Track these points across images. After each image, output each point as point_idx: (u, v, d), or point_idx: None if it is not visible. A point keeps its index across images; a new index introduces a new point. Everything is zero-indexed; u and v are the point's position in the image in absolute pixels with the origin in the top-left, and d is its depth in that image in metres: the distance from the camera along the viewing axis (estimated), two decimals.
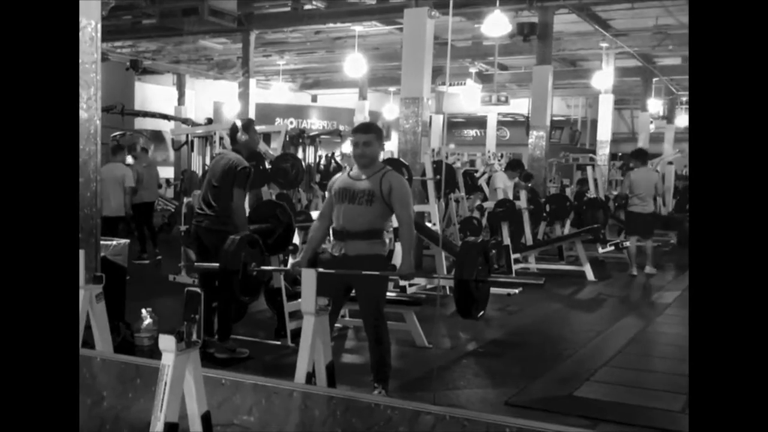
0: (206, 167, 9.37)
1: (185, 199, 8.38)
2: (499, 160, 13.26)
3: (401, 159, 8.54)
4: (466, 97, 17.95)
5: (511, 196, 10.24)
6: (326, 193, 4.51)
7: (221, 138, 9.45)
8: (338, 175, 4.46)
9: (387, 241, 4.48)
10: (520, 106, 21.37)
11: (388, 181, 4.16)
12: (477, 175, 12.54)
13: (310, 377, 3.37)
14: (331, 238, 4.42)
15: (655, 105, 19.67)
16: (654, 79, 19.02)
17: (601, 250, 10.89)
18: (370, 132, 4.30)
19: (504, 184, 10.44)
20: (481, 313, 3.97)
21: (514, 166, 10.96)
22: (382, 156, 4.62)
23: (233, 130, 5.55)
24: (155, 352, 4.39)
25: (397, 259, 7.32)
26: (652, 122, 20.23)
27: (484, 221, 10.48)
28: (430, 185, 8.35)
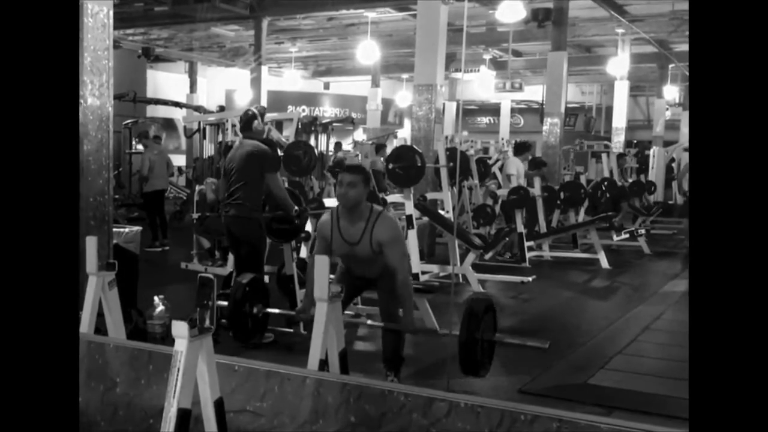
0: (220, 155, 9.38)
1: (197, 187, 8.37)
2: (512, 147, 13.13)
3: (414, 146, 8.48)
4: (480, 83, 17.83)
5: (524, 182, 10.15)
6: (317, 238, 4.38)
7: (233, 125, 9.43)
8: (325, 219, 4.30)
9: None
10: (535, 93, 21.20)
11: (377, 240, 4.06)
12: (490, 162, 12.46)
13: (323, 364, 3.35)
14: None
15: (671, 91, 19.48)
16: (670, 66, 18.82)
17: (615, 238, 10.81)
18: (356, 173, 4.13)
19: (516, 169, 10.34)
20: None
21: (522, 149, 10.77)
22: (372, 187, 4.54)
23: (251, 117, 5.51)
24: (167, 340, 4.40)
25: (411, 248, 7.31)
26: (667, 109, 20.05)
27: (497, 208, 10.41)
28: (444, 172, 8.30)
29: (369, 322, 4.67)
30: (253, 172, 5.27)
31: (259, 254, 5.44)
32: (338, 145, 12.91)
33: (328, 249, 4.23)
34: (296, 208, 5.47)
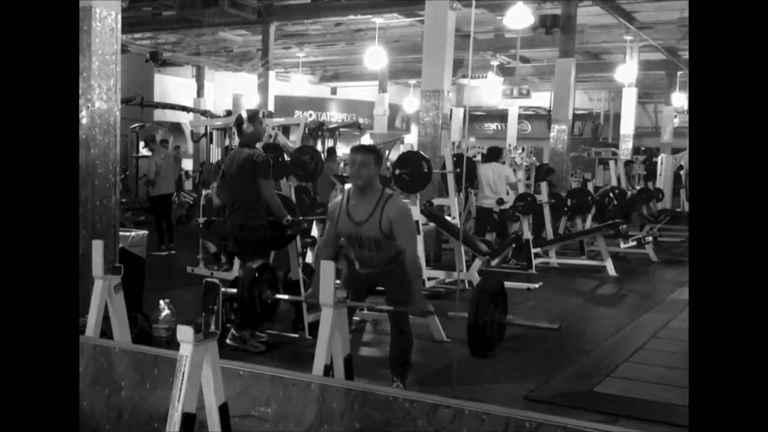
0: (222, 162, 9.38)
1: (204, 191, 8.39)
2: (519, 153, 13.09)
3: (421, 152, 8.48)
4: (488, 89, 17.84)
5: (504, 187, 10.03)
6: (327, 221, 4.36)
7: None
8: (337, 200, 4.30)
9: None
10: (542, 99, 21.22)
11: (387, 218, 4.01)
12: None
13: (328, 369, 3.34)
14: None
15: (680, 99, 19.43)
16: (679, 73, 18.79)
17: (622, 246, 10.77)
18: (368, 153, 4.12)
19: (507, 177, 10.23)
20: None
21: (495, 155, 10.59)
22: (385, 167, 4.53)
23: (239, 121, 5.49)
24: (172, 343, 4.40)
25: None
26: (676, 116, 20.00)
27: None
28: (450, 178, 8.30)
29: (379, 306, 4.56)
30: (251, 179, 5.26)
31: (263, 257, 5.45)
32: (331, 152, 12.63)
33: (335, 230, 4.20)
34: (288, 218, 5.41)
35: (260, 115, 5.69)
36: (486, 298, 3.71)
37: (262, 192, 5.25)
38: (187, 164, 17.62)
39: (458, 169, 8.28)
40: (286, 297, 4.40)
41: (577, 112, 17.80)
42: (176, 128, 18.93)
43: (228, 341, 5.25)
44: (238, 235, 5.39)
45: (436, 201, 8.56)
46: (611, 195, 11.40)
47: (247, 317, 4.21)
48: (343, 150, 15.12)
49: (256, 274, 3.97)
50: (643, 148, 20.22)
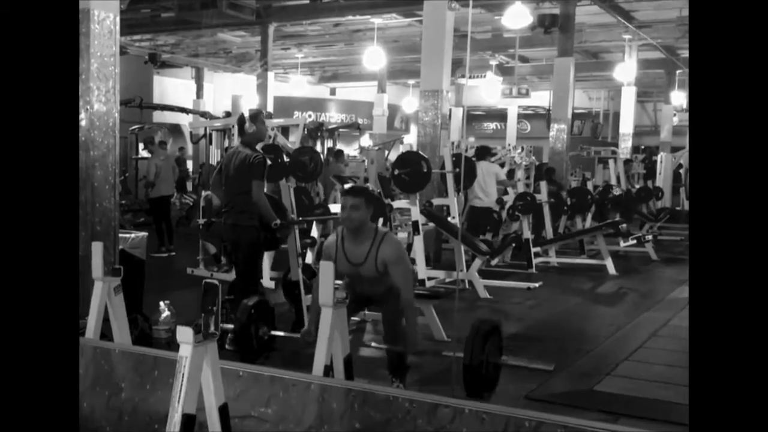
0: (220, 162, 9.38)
1: (203, 193, 8.39)
2: (519, 153, 13.07)
3: (420, 152, 8.49)
4: (487, 89, 17.85)
5: (494, 187, 10.00)
6: (320, 260, 4.38)
7: None
8: (330, 239, 4.33)
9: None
10: (541, 98, 21.22)
11: (382, 261, 4.08)
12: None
13: (328, 370, 3.35)
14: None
15: (679, 97, 19.44)
16: (677, 71, 18.79)
17: (622, 244, 10.78)
18: (359, 196, 4.14)
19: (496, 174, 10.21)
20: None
21: (483, 153, 10.54)
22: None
23: (241, 121, 5.48)
24: (173, 345, 4.40)
25: (415, 254, 7.30)
26: (675, 115, 20.00)
27: (504, 214, 10.38)
28: (450, 178, 8.30)
29: (374, 344, 4.67)
30: (246, 181, 5.25)
31: (255, 260, 5.46)
32: (336, 153, 12.46)
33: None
34: (276, 221, 5.35)
35: (262, 114, 5.70)
36: (480, 340, 3.78)
37: (253, 192, 5.24)
38: (187, 165, 17.63)
39: (457, 169, 8.27)
40: (282, 333, 4.46)
41: (576, 111, 17.80)
42: (176, 130, 18.93)
43: (227, 347, 5.23)
44: (231, 235, 5.40)
45: (436, 201, 8.56)
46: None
47: (244, 352, 4.26)
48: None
49: (252, 311, 4.03)
50: (642, 147, 20.21)
